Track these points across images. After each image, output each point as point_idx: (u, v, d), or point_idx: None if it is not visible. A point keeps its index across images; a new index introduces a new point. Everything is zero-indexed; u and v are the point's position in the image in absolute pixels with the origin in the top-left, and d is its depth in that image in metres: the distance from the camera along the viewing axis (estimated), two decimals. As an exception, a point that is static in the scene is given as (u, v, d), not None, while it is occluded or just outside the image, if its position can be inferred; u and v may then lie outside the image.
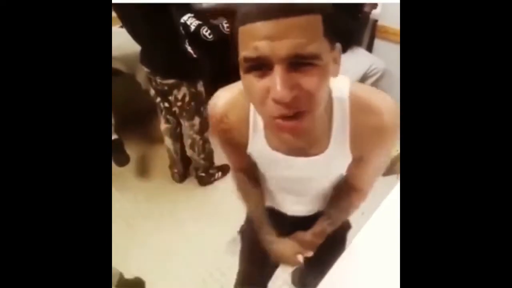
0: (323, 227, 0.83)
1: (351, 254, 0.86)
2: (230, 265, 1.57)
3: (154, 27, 1.51)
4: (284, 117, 0.48)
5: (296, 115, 0.48)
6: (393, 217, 0.92)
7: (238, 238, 1.16)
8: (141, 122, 2.50)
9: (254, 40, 0.45)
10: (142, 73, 1.98)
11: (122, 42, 1.74)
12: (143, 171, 2.23)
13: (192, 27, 1.71)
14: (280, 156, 0.68)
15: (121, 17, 1.60)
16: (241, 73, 0.49)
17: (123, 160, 2.07)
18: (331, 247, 0.89)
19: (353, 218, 0.93)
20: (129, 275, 1.47)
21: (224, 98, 0.68)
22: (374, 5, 2.06)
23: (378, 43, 2.24)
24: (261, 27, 0.44)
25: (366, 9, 2.04)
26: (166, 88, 1.71)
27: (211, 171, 2.10)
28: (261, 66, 0.46)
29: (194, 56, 1.64)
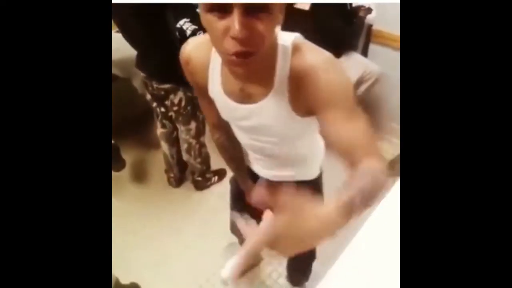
0: (289, 184, 0.61)
1: (349, 254, 0.86)
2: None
3: (150, 32, 1.52)
4: (238, 54, 0.56)
5: (247, 53, 0.56)
6: (391, 218, 0.92)
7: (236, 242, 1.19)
8: (137, 127, 2.49)
9: None
10: (138, 78, 1.97)
11: (118, 46, 1.74)
12: (139, 176, 2.22)
13: (188, 32, 1.72)
14: (231, 103, 0.76)
15: (118, 21, 1.59)
16: (201, 11, 0.57)
17: (119, 165, 2.06)
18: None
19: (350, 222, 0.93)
20: (125, 280, 1.46)
21: (191, 43, 0.78)
22: (369, 10, 2.08)
23: (373, 47, 2.25)
24: None
25: (361, 14, 2.05)
26: (162, 92, 1.71)
27: (207, 176, 2.09)
28: (221, 7, 0.53)
29: None
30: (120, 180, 2.10)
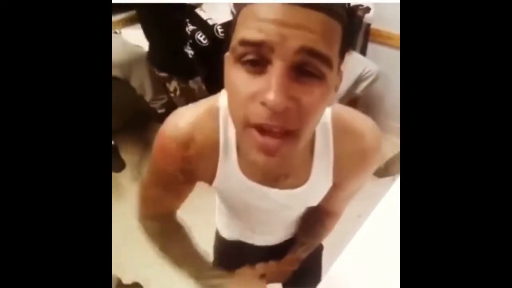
0: (297, 254, 0.80)
1: (347, 256, 0.86)
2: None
3: (159, 28, 1.69)
4: (264, 131, 0.39)
5: (280, 134, 0.39)
6: (389, 219, 0.92)
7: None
8: (136, 127, 2.49)
9: (259, 21, 0.36)
10: (137, 79, 1.98)
11: (116, 47, 1.75)
12: (139, 176, 2.21)
13: (188, 32, 1.74)
14: (254, 185, 0.57)
15: (139, 17, 1.81)
16: (230, 61, 0.40)
17: (119, 166, 2.07)
18: (308, 269, 0.86)
19: (349, 221, 0.93)
20: (127, 280, 1.46)
21: (187, 117, 0.53)
22: (367, 9, 2.08)
23: (371, 46, 2.25)
24: (272, 7, 0.35)
25: (359, 13, 2.05)
26: (162, 80, 1.88)
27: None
28: (258, 61, 0.37)
29: (190, 57, 1.76)
30: (119, 181, 2.09)
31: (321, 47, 0.36)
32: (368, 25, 2.20)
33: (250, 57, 0.37)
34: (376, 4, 2.06)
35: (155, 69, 1.85)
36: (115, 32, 2.04)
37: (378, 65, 2.07)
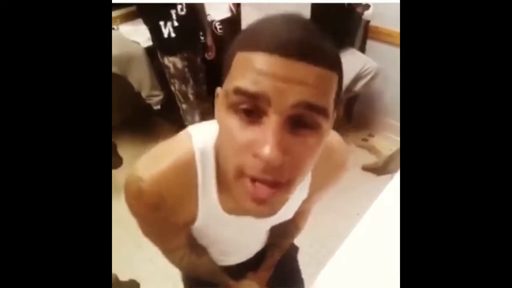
0: (273, 257, 0.84)
1: (344, 253, 0.86)
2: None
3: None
4: (257, 180, 0.38)
5: (273, 183, 0.38)
6: (386, 216, 0.93)
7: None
8: (134, 124, 2.48)
9: (256, 72, 0.35)
10: (134, 75, 1.97)
11: (114, 43, 1.74)
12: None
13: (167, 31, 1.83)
14: (236, 219, 0.56)
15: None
16: (223, 105, 0.39)
17: (116, 163, 2.07)
18: (287, 271, 0.90)
19: (349, 219, 0.93)
20: (123, 277, 1.46)
21: (152, 178, 0.48)
22: (367, 6, 2.07)
23: (370, 43, 2.25)
24: (269, 60, 0.35)
25: (358, 9, 2.05)
26: (165, 68, 1.94)
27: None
28: (252, 110, 0.36)
29: (172, 36, 1.80)
30: (116, 177, 2.09)
31: (318, 101, 0.36)
32: (367, 22, 2.20)
33: (245, 106, 0.36)
34: (375, 1, 2.05)
35: (163, 55, 1.86)
36: (113, 28, 2.04)
37: (377, 63, 2.07)
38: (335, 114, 0.43)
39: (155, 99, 2.10)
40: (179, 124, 2.00)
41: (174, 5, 1.73)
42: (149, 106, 2.14)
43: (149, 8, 1.73)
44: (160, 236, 0.62)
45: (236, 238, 0.66)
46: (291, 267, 0.97)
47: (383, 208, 0.96)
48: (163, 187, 0.49)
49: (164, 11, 1.73)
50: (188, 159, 0.50)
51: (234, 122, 0.37)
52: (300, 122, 0.37)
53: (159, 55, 1.89)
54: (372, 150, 2.31)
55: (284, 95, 0.35)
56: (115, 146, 2.10)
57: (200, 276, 0.79)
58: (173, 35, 1.77)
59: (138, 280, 1.54)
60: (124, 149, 2.19)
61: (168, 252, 0.70)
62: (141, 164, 0.50)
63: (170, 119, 2.36)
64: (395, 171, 1.09)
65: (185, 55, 1.86)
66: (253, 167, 0.37)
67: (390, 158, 1.94)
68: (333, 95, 0.38)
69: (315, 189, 0.61)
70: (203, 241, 0.70)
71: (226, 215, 0.56)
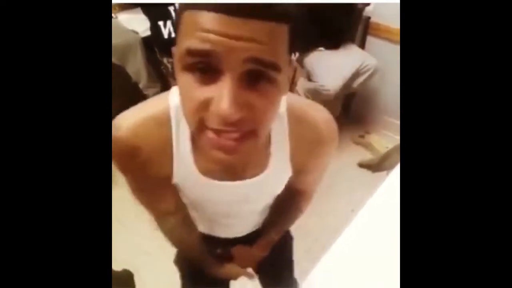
0: (270, 237, 0.82)
1: (337, 250, 0.87)
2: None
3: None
4: (221, 132, 0.39)
5: (237, 134, 0.40)
6: (382, 213, 0.93)
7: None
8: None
9: (204, 31, 0.35)
10: (133, 65, 1.95)
11: (113, 32, 1.72)
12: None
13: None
14: (212, 182, 0.58)
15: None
16: (178, 69, 0.40)
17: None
18: (279, 258, 0.89)
19: (343, 215, 0.93)
20: (117, 267, 1.46)
21: (128, 127, 0.51)
22: (367, 3, 2.07)
23: (370, 40, 2.24)
24: (216, 18, 0.35)
25: (359, 6, 2.04)
26: (162, 64, 1.95)
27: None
28: (207, 69, 0.37)
29: (173, 36, 1.79)
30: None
31: (268, 56, 0.37)
32: (368, 18, 2.19)
33: (199, 66, 0.38)
34: (376, -3, 2.05)
35: (162, 55, 1.82)
36: (112, 17, 2.02)
37: (376, 59, 2.06)
38: (295, 64, 0.44)
39: (153, 90, 2.08)
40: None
41: (172, 3, 1.68)
42: (147, 97, 2.13)
43: (147, 7, 1.68)
44: (146, 193, 0.64)
45: (223, 208, 0.68)
46: (284, 255, 0.96)
47: (378, 205, 0.96)
48: (138, 137, 0.52)
49: (162, 9, 1.67)
50: (163, 113, 0.52)
51: (190, 81, 0.39)
52: (255, 77, 0.38)
53: (158, 54, 1.85)
54: (368, 147, 2.32)
55: (234, 53, 0.35)
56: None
57: (187, 255, 0.82)
58: (173, 35, 1.75)
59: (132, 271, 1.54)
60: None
61: (159, 218, 0.71)
62: (121, 115, 0.53)
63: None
64: (391, 168, 1.10)
65: None
66: (214, 120, 0.39)
67: (386, 155, 1.95)
68: (285, 47, 0.39)
69: (300, 165, 0.61)
70: (193, 206, 0.71)
71: (202, 177, 0.57)
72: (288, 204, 0.78)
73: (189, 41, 0.37)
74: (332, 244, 0.88)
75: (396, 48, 2.15)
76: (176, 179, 0.59)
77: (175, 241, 0.78)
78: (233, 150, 0.41)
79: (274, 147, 0.57)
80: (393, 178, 1.03)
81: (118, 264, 1.44)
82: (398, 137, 1.85)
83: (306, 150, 0.59)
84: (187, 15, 0.37)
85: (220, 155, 0.42)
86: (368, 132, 2.43)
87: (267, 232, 0.82)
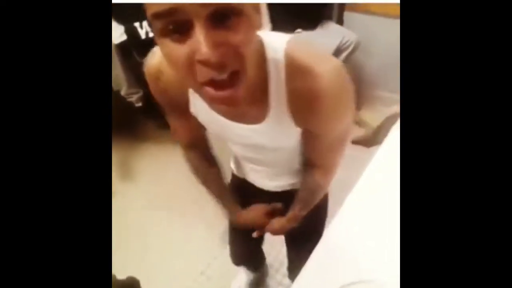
0: (294, 213, 0.83)
1: (340, 220, 0.87)
2: (221, 263, 1.57)
3: None
4: (216, 85, 0.44)
5: (229, 80, 0.44)
6: (376, 185, 0.93)
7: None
8: (120, 124, 2.43)
9: None
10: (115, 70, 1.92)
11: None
12: (128, 174, 2.18)
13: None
14: (223, 120, 0.63)
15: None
16: (156, 39, 0.43)
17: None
18: (309, 227, 0.90)
19: (340, 191, 0.94)
20: (121, 274, 1.45)
21: (159, 55, 0.60)
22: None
23: (348, 15, 2.22)
24: None
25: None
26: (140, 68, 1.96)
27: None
28: (179, 28, 0.40)
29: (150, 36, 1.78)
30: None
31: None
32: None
33: (171, 27, 0.40)
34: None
35: (142, 57, 1.79)
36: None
37: (357, 33, 2.05)
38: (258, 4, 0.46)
39: (135, 96, 2.05)
40: (164, 121, 1.96)
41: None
42: (131, 104, 2.09)
43: (119, 12, 1.64)
44: (172, 118, 0.74)
45: (238, 148, 0.77)
46: (315, 227, 0.95)
47: (374, 176, 0.96)
48: (162, 63, 0.59)
49: (137, 10, 1.64)
50: None
51: (169, 44, 0.42)
52: (223, 15, 0.40)
53: (136, 57, 1.81)
54: (360, 123, 2.31)
55: (195, 4, 0.38)
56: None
57: (211, 194, 0.88)
58: (151, 34, 1.70)
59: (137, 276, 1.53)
60: (115, 149, 2.15)
61: (185, 149, 0.82)
62: (151, 51, 0.63)
63: (155, 116, 2.32)
64: (381, 142, 1.10)
65: None
66: (203, 73, 0.42)
67: (379, 128, 1.95)
68: None
69: (301, 120, 0.60)
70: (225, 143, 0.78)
71: (212, 112, 0.63)
72: (305, 177, 0.79)
73: (151, 7, 0.39)
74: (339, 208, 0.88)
75: (377, 20, 2.14)
76: (193, 108, 0.66)
77: (199, 176, 0.86)
78: (230, 99, 0.45)
79: (273, 96, 0.57)
80: (387, 146, 1.05)
81: (122, 272, 1.43)
82: (388, 109, 1.85)
83: (304, 102, 0.56)
84: None
85: (222, 107, 0.47)
86: (358, 109, 2.43)
87: (292, 207, 0.84)
